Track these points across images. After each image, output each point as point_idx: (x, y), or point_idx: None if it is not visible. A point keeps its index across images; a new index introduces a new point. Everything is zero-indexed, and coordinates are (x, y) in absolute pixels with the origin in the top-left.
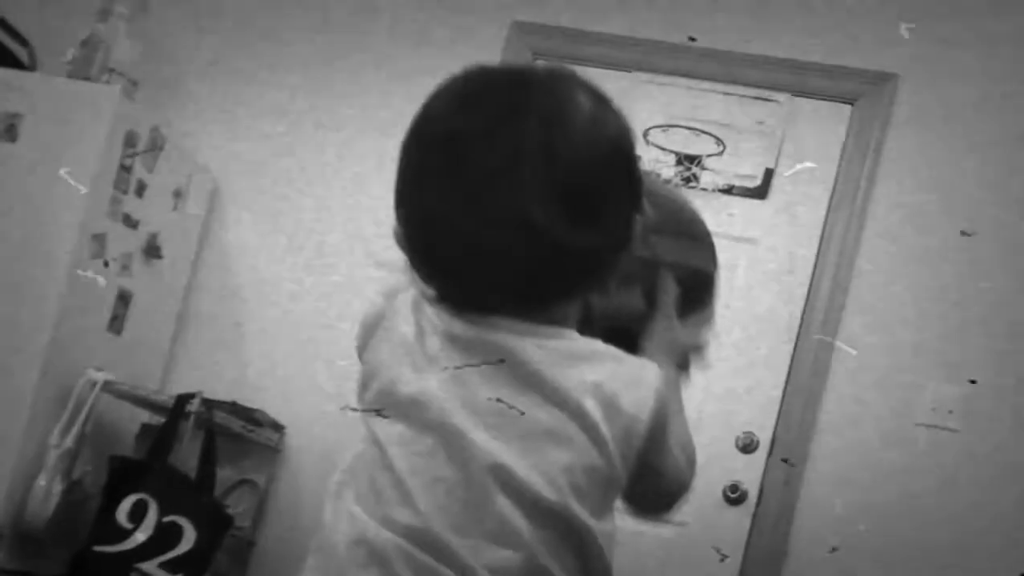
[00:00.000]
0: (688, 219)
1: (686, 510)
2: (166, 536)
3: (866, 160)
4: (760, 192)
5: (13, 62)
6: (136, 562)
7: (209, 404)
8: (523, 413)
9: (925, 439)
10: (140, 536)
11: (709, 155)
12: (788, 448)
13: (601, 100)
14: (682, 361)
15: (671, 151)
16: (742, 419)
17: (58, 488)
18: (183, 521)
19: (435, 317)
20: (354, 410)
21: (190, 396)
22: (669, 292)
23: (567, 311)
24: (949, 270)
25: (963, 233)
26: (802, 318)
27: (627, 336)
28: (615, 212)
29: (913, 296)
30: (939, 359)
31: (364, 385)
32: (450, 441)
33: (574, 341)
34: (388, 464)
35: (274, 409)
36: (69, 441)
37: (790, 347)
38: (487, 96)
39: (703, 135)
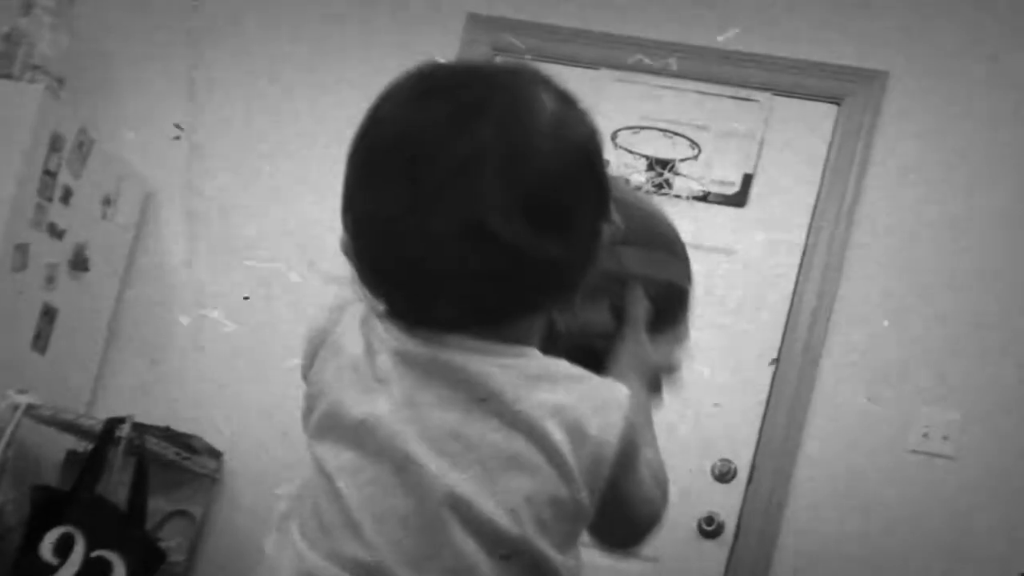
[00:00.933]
0: (660, 229)
1: (658, 544)
2: (94, 572)
3: (853, 165)
4: (738, 200)
5: None
6: None
7: (141, 429)
8: (482, 439)
9: (917, 467)
10: (66, 572)
11: (683, 159)
12: (769, 477)
13: (566, 100)
14: (653, 382)
15: (642, 155)
16: (718, 445)
17: None
18: (112, 556)
19: (386, 334)
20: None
21: (120, 421)
22: (639, 308)
23: (529, 328)
24: (943, 285)
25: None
26: (783, 336)
27: (594, 355)
28: (581, 221)
29: (903, 312)
30: (932, 381)
31: (309, 408)
32: (402, 469)
33: (537, 360)
34: (336, 494)
35: (211, 435)
36: None
37: (771, 368)
38: (442, 95)
39: (677, 138)
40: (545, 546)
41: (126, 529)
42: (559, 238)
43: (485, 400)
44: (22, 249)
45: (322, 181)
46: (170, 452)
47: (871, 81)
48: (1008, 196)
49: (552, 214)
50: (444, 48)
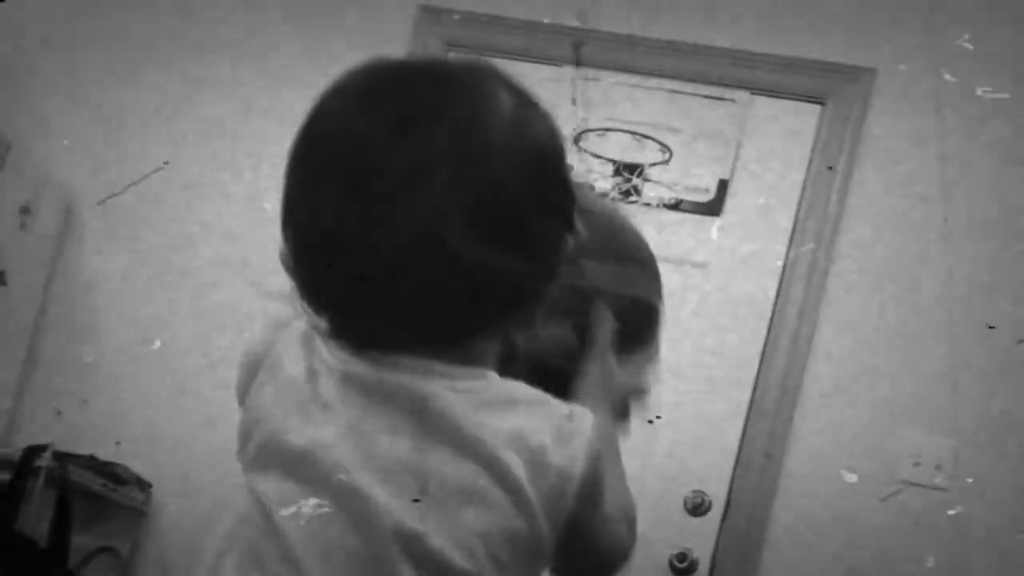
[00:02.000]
0: (628, 240)
1: None
2: None
3: (838, 169)
4: (713, 208)
5: None
6: None
7: (62, 458)
8: (434, 469)
9: (907, 500)
10: None
11: (653, 164)
12: (745, 511)
13: (525, 100)
14: (620, 407)
15: (608, 159)
16: (692, 476)
17: None
18: None
19: (329, 356)
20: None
21: (40, 449)
22: (605, 326)
23: (485, 349)
24: (935, 298)
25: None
26: (762, 357)
27: (556, 378)
28: (542, 232)
29: (892, 329)
30: (924, 406)
31: (245, 436)
32: (347, 502)
33: (493, 384)
34: (274, 530)
35: (139, 464)
36: None
37: (747, 392)
38: (392, 95)
39: (646, 140)
40: None
41: (47, 567)
42: (518, 251)
43: (437, 426)
44: None
45: (259, 188)
46: (95, 483)
47: (858, 79)
48: (1004, 205)
49: (511, 225)
50: (393, 43)
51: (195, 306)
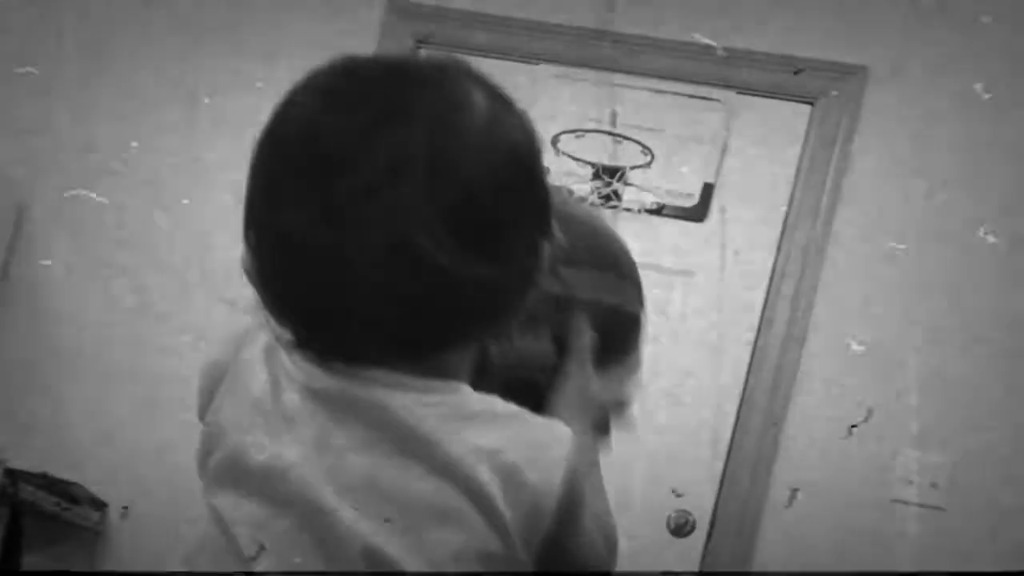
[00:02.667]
0: (608, 247)
1: None
2: None
3: (828, 173)
4: (698, 213)
5: None
6: None
7: (14, 476)
8: (404, 487)
9: (902, 520)
10: None
11: (634, 167)
12: (731, 532)
13: (500, 100)
14: (600, 422)
15: (587, 162)
16: (675, 495)
17: None
18: None
19: (294, 368)
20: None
21: None
22: (584, 337)
23: (458, 360)
24: (931, 307)
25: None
26: (749, 369)
27: (533, 391)
28: (517, 238)
29: (885, 340)
30: (918, 419)
31: (206, 452)
32: (313, 521)
33: (467, 398)
34: (236, 551)
35: (95, 482)
36: None
37: (734, 406)
38: (360, 95)
39: (627, 142)
40: None
41: None
42: (493, 257)
43: (408, 442)
44: None
45: (223, 190)
46: (48, 502)
47: (849, 78)
48: (1000, 205)
49: (485, 230)
50: (361, 40)
51: (156, 315)
